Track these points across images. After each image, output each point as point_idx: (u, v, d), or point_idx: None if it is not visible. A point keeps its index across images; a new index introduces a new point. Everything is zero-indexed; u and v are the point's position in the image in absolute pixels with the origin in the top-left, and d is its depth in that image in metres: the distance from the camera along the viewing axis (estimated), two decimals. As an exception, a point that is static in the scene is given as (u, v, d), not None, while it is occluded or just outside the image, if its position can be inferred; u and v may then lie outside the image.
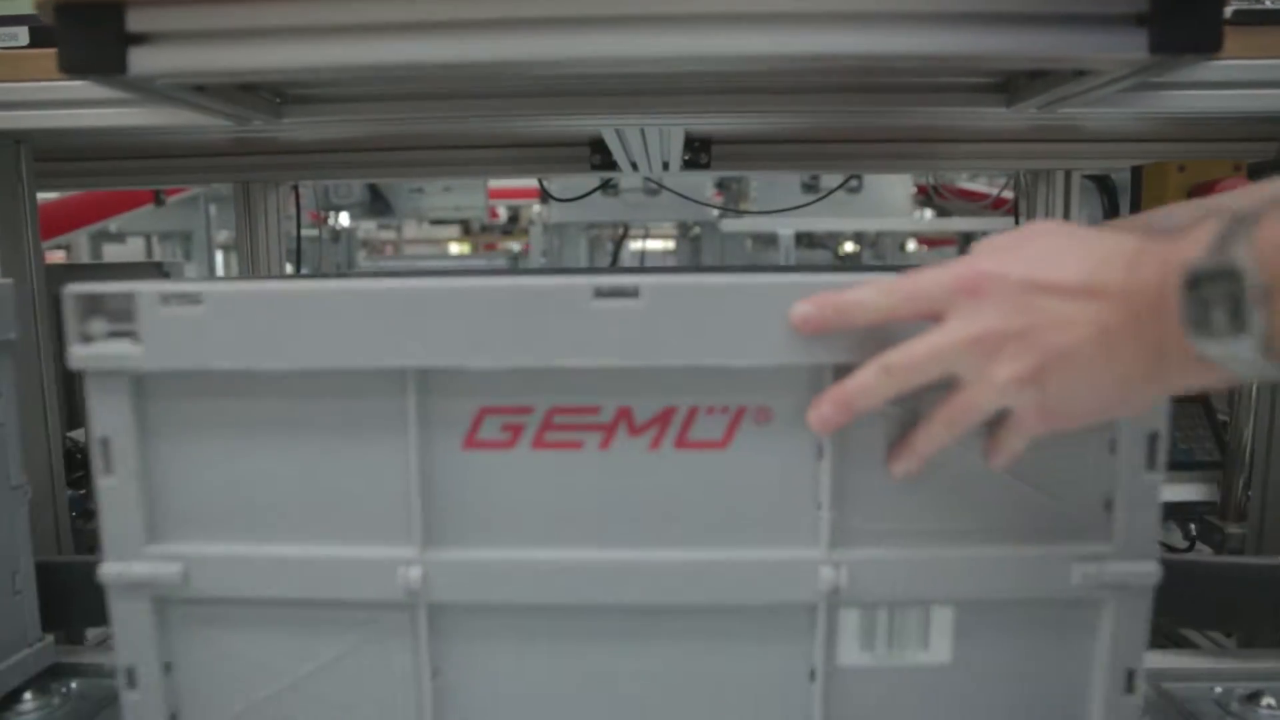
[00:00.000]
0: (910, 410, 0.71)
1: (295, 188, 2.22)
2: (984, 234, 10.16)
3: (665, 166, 1.89)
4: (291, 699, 0.80)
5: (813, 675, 0.79)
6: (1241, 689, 1.03)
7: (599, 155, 1.83)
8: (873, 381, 0.66)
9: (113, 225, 7.43)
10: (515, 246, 13.50)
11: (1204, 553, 1.56)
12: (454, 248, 14.23)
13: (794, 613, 0.78)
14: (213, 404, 0.76)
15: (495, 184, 9.24)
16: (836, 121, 1.23)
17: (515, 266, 8.79)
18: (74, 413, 1.76)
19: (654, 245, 11.02)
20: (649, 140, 1.57)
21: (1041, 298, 0.60)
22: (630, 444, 0.76)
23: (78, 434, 1.82)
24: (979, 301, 0.62)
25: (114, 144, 1.72)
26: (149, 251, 8.65)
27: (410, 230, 12.82)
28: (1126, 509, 0.76)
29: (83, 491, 1.69)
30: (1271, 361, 0.53)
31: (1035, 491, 0.76)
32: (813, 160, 1.99)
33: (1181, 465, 1.80)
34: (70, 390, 1.76)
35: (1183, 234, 0.56)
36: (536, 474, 0.76)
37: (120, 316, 0.73)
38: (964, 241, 10.07)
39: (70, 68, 0.78)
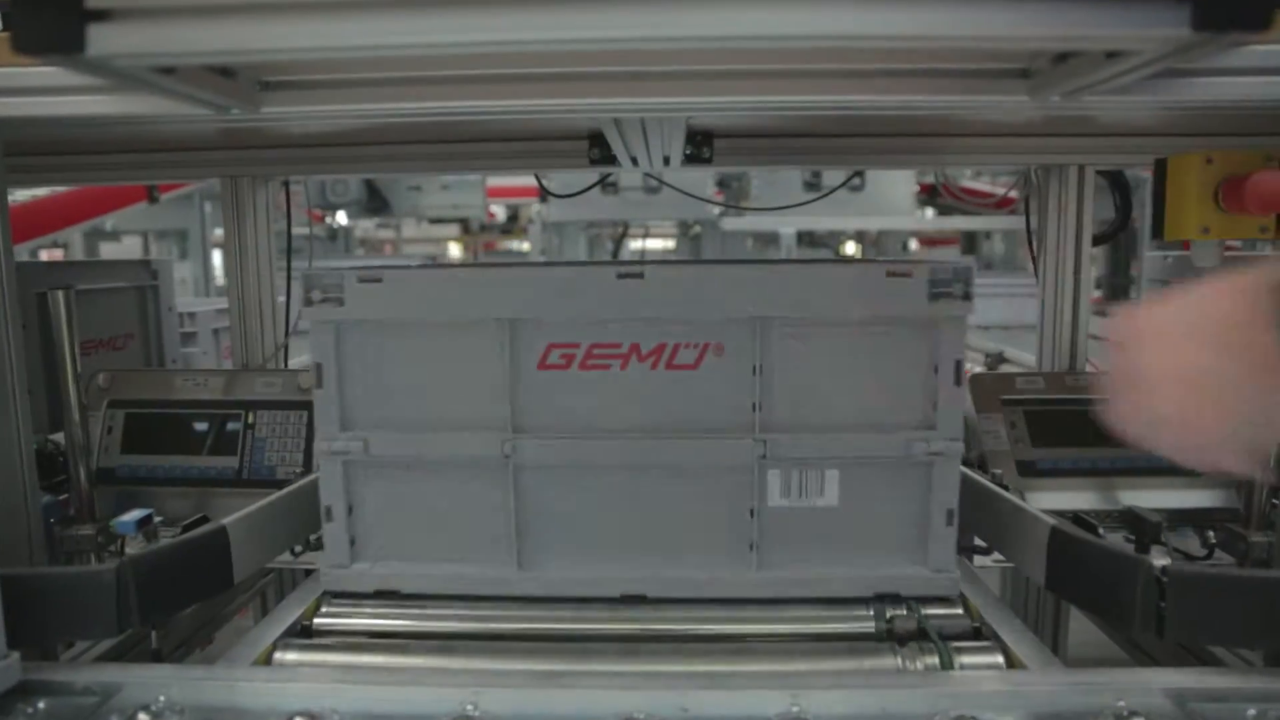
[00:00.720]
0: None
1: (286, 183, 2.16)
2: (987, 234, 9.94)
3: (666, 161, 1.84)
4: (429, 524, 1.32)
5: (752, 513, 1.29)
6: (1276, 712, 0.97)
7: (598, 149, 1.77)
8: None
9: (109, 223, 7.39)
10: (515, 245, 13.47)
11: (1225, 562, 1.50)
12: (453, 247, 14.17)
13: (739, 471, 1.28)
14: (383, 341, 1.28)
15: (494, 182, 9.19)
16: (848, 110, 1.17)
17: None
18: (55, 414, 1.70)
19: (654, 244, 10.97)
20: (649, 133, 1.51)
21: (1177, 337, 0.77)
22: (639, 366, 1.26)
23: (59, 437, 1.77)
24: (1139, 342, 0.80)
25: (95, 137, 1.66)
26: (146, 249, 8.61)
27: (409, 229, 12.77)
28: (943, 407, 1.24)
29: (63, 497, 1.63)
30: None
31: (890, 398, 1.25)
32: (817, 155, 1.93)
33: (1198, 471, 1.73)
34: (52, 391, 1.70)
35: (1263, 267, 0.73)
36: (581, 385, 1.26)
37: (331, 289, 1.25)
38: (966, 240, 10.03)
39: (24, 47, 0.72)
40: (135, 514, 1.44)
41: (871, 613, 1.26)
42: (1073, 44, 0.83)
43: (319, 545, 1.65)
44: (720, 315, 1.24)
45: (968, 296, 1.22)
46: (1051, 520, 1.24)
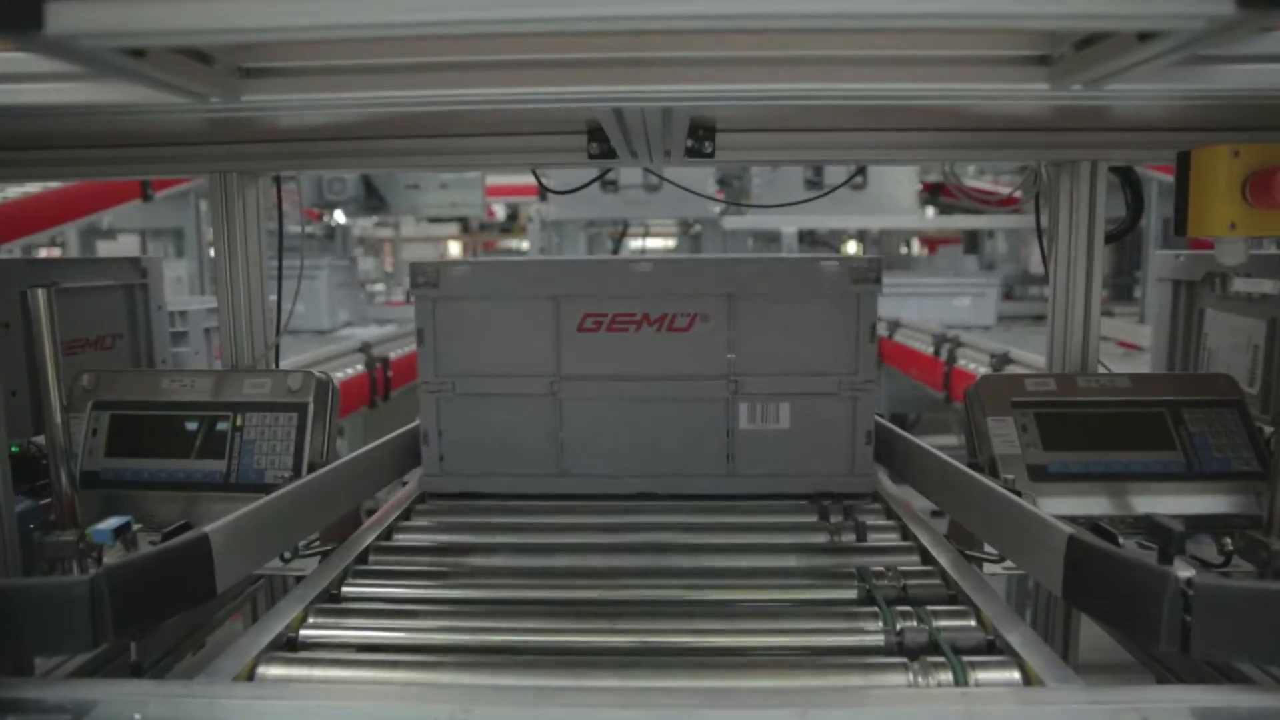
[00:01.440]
0: None
1: (277, 180, 2.11)
2: (990, 232, 9.90)
3: (667, 155, 1.79)
4: (496, 444, 1.82)
5: (728, 433, 1.80)
6: (1311, 732, 0.92)
7: (597, 143, 1.73)
8: None
9: (105, 221, 7.33)
10: (515, 244, 13.41)
11: (1243, 570, 1.44)
12: (453, 246, 14.11)
13: (718, 403, 1.80)
14: (466, 311, 1.80)
15: (493, 181, 9.14)
16: (855, 101, 1.11)
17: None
18: (39, 416, 1.64)
19: (654, 244, 10.91)
20: (650, 126, 1.46)
21: None
22: (648, 330, 1.77)
23: (41, 439, 1.71)
24: None
25: (78, 130, 1.61)
26: (143, 248, 8.56)
27: (408, 229, 12.71)
28: (862, 357, 1.77)
29: (45, 501, 1.57)
30: None
31: (825, 351, 1.77)
32: (822, 149, 1.88)
33: (1216, 475, 1.69)
34: (35, 392, 1.65)
35: None
36: (607, 343, 1.78)
37: (430, 274, 1.78)
38: (968, 239, 9.98)
39: (-23, 24, 0.67)
40: (112, 521, 1.38)
41: (881, 624, 1.21)
42: (1109, 23, 0.77)
43: (309, 551, 1.61)
44: (705, 293, 1.76)
45: (878, 280, 1.74)
46: (1069, 528, 1.19)
